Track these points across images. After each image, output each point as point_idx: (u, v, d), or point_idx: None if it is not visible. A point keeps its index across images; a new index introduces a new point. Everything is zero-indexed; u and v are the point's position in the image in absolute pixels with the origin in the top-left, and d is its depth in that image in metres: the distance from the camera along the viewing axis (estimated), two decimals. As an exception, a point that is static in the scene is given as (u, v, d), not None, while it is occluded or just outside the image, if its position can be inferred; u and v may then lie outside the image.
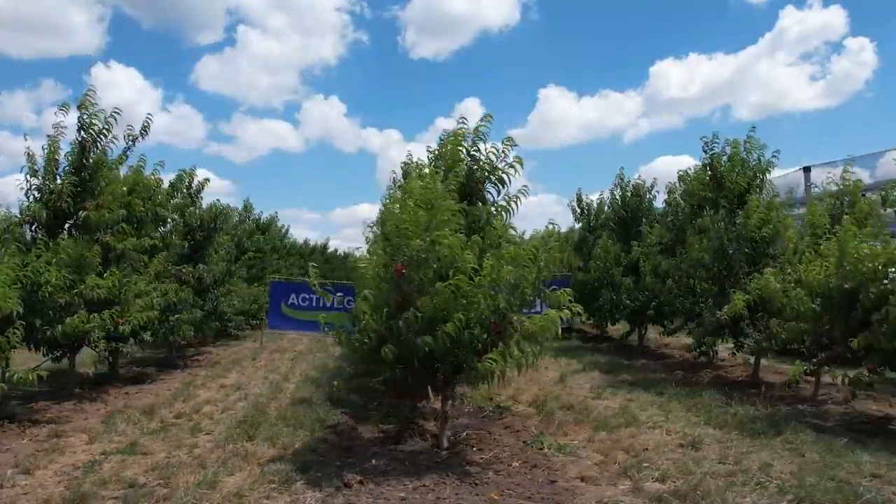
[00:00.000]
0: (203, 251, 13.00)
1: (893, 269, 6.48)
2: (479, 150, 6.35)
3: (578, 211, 18.47)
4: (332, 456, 6.17)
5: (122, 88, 76.99)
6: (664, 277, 11.82)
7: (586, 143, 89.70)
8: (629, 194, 15.03)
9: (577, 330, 19.62)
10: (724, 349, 11.49)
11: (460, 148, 6.36)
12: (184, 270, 11.47)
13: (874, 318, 6.51)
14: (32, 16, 63.86)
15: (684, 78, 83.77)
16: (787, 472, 5.40)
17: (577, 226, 18.99)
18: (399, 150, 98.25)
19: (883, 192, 7.78)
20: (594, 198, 18.11)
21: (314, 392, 9.46)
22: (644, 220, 14.73)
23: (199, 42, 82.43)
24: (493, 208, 6.44)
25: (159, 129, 78.23)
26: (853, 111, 77.52)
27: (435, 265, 5.60)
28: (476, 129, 6.31)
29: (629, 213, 14.94)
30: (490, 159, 6.52)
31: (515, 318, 5.60)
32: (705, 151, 10.25)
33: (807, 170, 16.77)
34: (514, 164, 6.64)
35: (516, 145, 6.53)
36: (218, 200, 14.22)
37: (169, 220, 11.83)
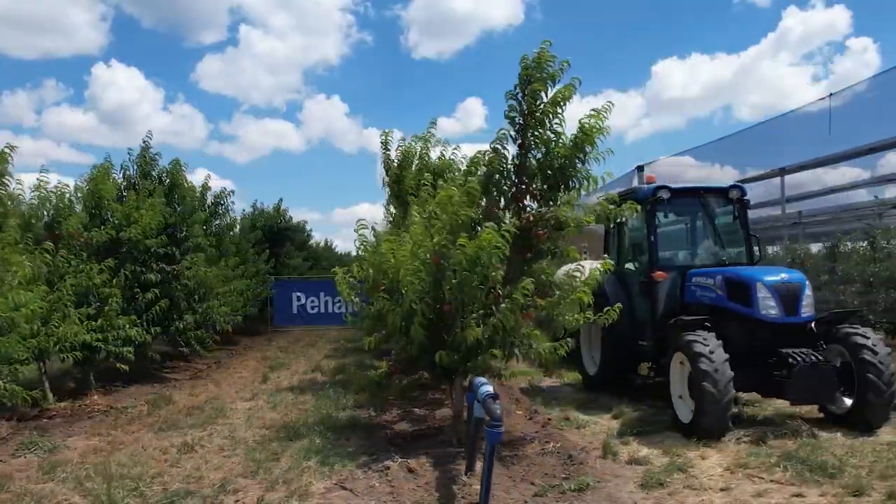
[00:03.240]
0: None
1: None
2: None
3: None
4: None
5: (123, 88, 78.20)
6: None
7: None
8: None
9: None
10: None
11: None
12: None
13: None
14: (35, 15, 65.19)
15: (686, 78, 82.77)
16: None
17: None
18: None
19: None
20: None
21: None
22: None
23: (201, 41, 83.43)
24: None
25: (160, 129, 79.30)
26: (856, 112, 75.27)
27: None
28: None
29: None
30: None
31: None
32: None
33: (640, 168, 16.33)
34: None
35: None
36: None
37: None
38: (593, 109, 6.30)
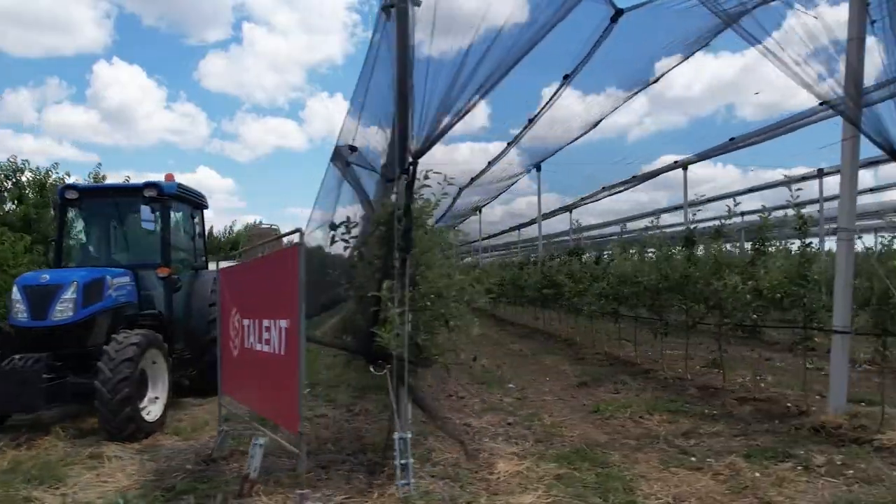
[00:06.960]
0: None
1: None
2: None
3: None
4: None
5: (126, 86, 78.92)
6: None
7: (589, 142, 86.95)
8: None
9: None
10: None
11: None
12: None
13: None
14: (38, 13, 66.71)
15: (689, 76, 79.94)
16: None
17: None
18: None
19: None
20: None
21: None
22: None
23: (204, 39, 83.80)
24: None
25: (162, 128, 79.34)
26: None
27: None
28: None
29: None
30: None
31: None
32: None
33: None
34: None
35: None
36: None
37: None
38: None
